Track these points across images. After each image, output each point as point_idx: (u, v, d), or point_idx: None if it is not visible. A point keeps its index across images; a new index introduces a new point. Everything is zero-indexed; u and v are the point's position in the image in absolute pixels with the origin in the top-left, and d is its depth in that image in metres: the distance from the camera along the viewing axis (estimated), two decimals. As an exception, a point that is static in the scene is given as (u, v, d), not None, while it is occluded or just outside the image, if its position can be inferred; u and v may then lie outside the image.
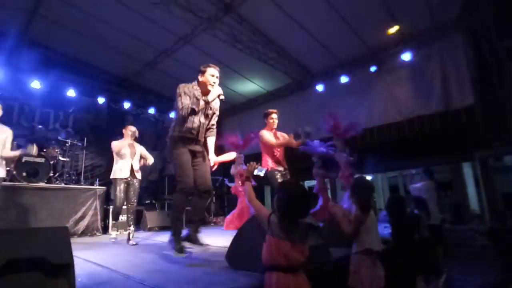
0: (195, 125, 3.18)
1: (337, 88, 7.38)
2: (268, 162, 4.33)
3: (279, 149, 4.37)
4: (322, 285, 2.26)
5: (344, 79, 7.22)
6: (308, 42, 6.65)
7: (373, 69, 6.83)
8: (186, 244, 3.03)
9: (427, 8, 5.67)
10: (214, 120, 3.43)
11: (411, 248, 3.10)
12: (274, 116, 4.46)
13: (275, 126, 4.46)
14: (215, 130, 3.49)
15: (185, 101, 3.05)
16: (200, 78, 3.22)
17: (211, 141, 3.48)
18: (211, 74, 3.20)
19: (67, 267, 1.37)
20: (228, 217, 6.51)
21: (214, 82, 3.19)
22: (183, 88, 3.14)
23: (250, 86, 8.75)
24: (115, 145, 4.75)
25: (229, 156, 5.22)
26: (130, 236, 4.56)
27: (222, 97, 3.19)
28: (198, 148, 3.27)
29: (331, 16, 5.86)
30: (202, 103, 3.06)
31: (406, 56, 6.36)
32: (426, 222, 4.11)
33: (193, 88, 3.19)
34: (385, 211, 4.17)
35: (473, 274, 4.28)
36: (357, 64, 7.13)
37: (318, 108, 7.43)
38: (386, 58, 6.76)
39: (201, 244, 3.10)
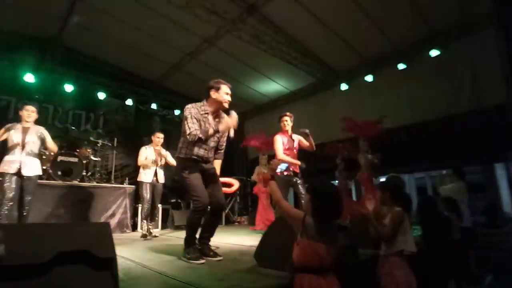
0: (204, 149, 3.04)
1: (362, 87, 7.26)
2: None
3: (289, 152, 4.35)
4: (351, 287, 2.24)
5: (369, 78, 7.09)
6: (332, 41, 6.59)
7: (399, 67, 6.66)
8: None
9: (456, 2, 5.48)
10: (223, 141, 3.28)
11: (443, 251, 3.02)
12: (286, 119, 4.46)
13: (287, 129, 4.46)
14: (222, 152, 3.35)
15: (192, 126, 2.85)
16: (214, 95, 3.01)
17: (217, 164, 3.33)
18: (226, 92, 3.01)
19: (110, 261, 1.45)
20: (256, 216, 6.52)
21: (229, 100, 3.02)
22: (190, 109, 2.94)
23: (273, 86, 8.77)
24: (140, 154, 5.13)
25: (232, 185, 5.36)
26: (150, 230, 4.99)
27: (232, 132, 3.02)
28: (208, 166, 3.12)
29: (356, 14, 5.78)
30: (211, 131, 2.84)
31: (434, 53, 6.17)
32: (458, 224, 3.99)
33: (201, 109, 2.99)
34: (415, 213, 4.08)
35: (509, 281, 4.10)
36: (383, 62, 6.98)
37: (343, 108, 7.33)
38: (413, 55, 6.57)
39: (215, 256, 2.99)
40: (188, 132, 2.84)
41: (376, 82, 7.06)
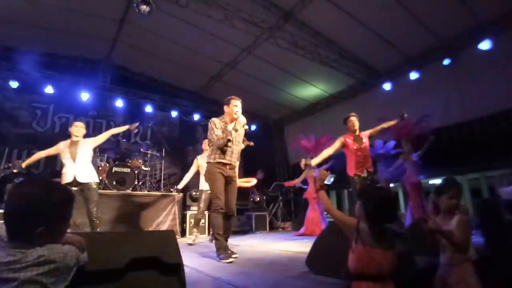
0: (229, 152, 3.58)
1: (407, 86, 6.94)
2: (351, 166, 4.30)
3: (360, 152, 4.31)
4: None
5: (414, 75, 6.77)
6: (372, 40, 6.40)
7: (446, 62, 6.30)
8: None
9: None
10: (239, 147, 3.79)
11: (509, 257, 2.81)
12: (352, 119, 4.53)
13: (355, 128, 4.48)
14: (239, 155, 3.81)
15: (218, 133, 3.51)
16: (226, 109, 3.70)
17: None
18: (234, 105, 3.67)
19: (177, 266, 1.55)
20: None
21: (237, 111, 3.65)
22: (214, 122, 3.61)
23: (312, 91, 8.71)
24: (197, 162, 5.51)
25: (249, 182, 5.59)
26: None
27: (246, 126, 3.69)
28: (231, 173, 3.64)
29: (395, 10, 5.55)
30: (233, 133, 3.56)
31: (485, 45, 5.75)
32: (523, 228, 3.68)
33: (221, 121, 3.66)
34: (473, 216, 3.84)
35: None
36: (428, 58, 6.64)
37: (386, 109, 7.07)
38: (461, 49, 6.18)
39: (232, 254, 3.36)
40: (216, 139, 3.49)
41: (422, 79, 6.72)
